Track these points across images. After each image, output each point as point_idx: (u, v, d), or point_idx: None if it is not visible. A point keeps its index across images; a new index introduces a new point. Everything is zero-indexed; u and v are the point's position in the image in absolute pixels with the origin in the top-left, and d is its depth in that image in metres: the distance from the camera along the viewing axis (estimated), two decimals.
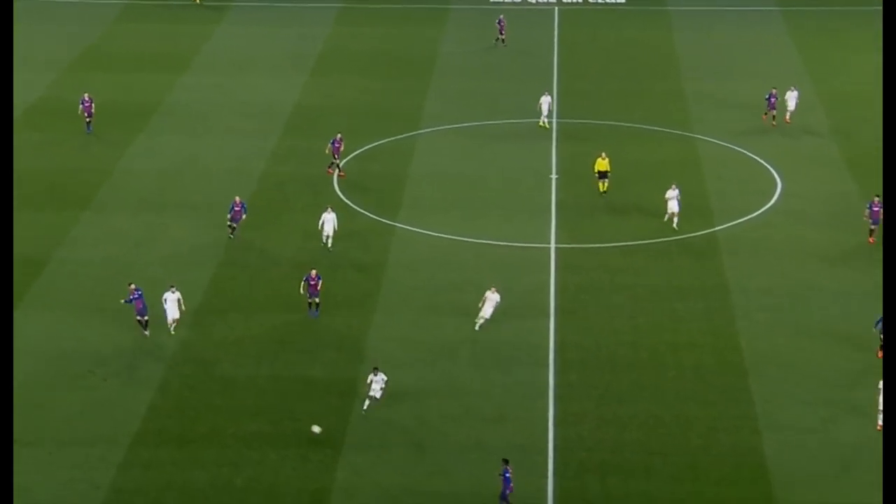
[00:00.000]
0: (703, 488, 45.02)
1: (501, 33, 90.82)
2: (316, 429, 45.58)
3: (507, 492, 43.58)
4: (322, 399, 49.75)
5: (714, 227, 63.73)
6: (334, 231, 61.24)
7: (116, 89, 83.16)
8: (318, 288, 55.62)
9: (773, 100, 75.40)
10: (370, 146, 74.12)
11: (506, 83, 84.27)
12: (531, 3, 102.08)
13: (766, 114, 75.68)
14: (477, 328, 54.15)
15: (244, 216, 62.45)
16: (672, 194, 63.19)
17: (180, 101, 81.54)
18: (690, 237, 62.91)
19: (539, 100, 75.91)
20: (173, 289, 53.59)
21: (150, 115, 78.89)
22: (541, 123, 75.67)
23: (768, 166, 70.96)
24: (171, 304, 53.44)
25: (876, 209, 60.91)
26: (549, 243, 62.41)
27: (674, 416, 48.97)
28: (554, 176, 70.12)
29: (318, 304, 55.82)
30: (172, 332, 53.23)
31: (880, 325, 50.52)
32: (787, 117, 75.90)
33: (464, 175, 70.05)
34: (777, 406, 49.41)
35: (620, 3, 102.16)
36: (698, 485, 45.22)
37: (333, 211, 61.69)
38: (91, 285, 57.97)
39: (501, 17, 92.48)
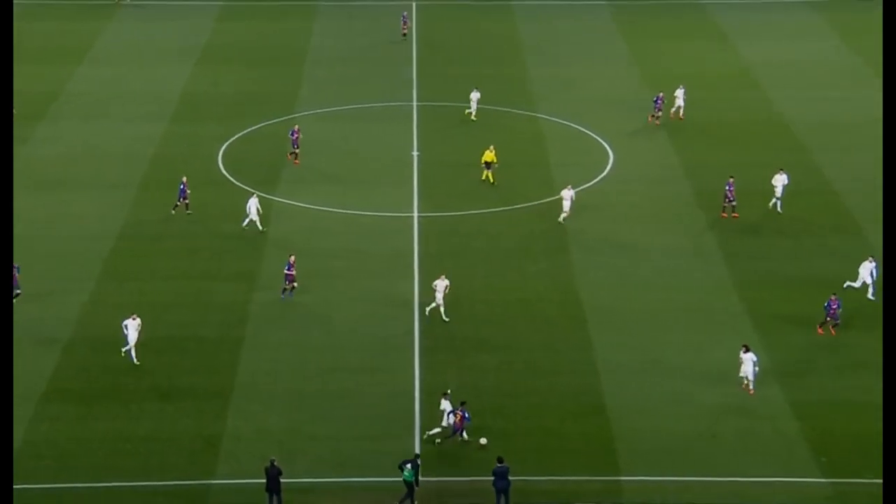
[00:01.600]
0: (549, 423, 45.87)
1: (404, 27, 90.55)
2: (483, 441, 44.54)
3: (462, 427, 43.88)
4: (213, 356, 49.66)
5: (555, 194, 64.51)
6: (258, 213, 60.27)
7: (19, 80, 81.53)
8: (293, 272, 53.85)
9: (659, 102, 73.44)
10: (251, 129, 73.74)
11: (371, 70, 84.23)
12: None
13: (652, 115, 73.57)
14: (427, 312, 52.65)
15: (188, 192, 61.80)
16: (566, 194, 61.33)
17: (78, 91, 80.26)
18: (536, 204, 63.65)
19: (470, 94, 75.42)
20: (134, 316, 49.91)
21: (50, 103, 77.58)
22: (468, 112, 74.94)
23: (602, 141, 71.97)
24: (132, 330, 49.47)
25: (730, 189, 61.33)
26: (413, 212, 62.76)
27: (524, 362, 49.74)
28: (415, 153, 70.45)
29: (293, 288, 53.95)
30: (137, 362, 49.18)
31: (830, 306, 50.71)
32: (681, 114, 74.22)
33: (335, 153, 70.05)
34: (612, 351, 50.41)
35: None
36: (545, 420, 46.06)
37: (257, 196, 60.95)
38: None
39: (405, 13, 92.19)
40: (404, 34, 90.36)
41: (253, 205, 60.24)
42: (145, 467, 43.26)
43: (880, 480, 41.89)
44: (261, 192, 64.37)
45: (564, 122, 74.83)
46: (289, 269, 53.79)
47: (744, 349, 47.27)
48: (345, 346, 50.88)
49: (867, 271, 53.78)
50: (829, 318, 51.09)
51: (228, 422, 45.75)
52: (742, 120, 74.69)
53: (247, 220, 60.04)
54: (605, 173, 67.74)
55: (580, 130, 73.72)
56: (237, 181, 66.18)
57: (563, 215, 61.13)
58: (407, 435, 45.05)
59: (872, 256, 54.15)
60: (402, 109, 77.19)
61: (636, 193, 64.83)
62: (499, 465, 41.11)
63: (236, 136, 72.60)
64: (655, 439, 44.76)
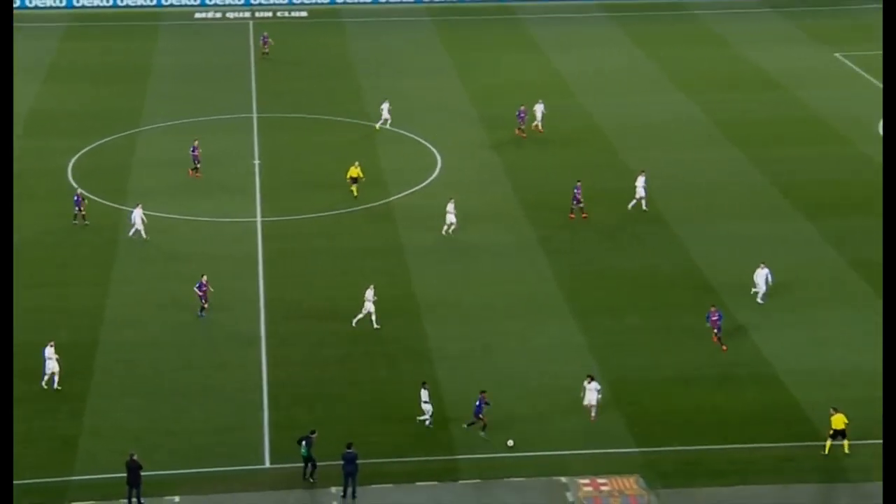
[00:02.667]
0: (388, 411, 45.89)
1: (265, 46, 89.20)
2: (510, 442, 43.64)
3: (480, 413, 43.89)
4: (67, 358, 48.26)
5: (389, 196, 64.66)
6: (143, 223, 58.41)
7: None
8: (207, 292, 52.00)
9: (522, 115, 72.71)
10: (99, 143, 72.14)
11: (212, 86, 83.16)
12: (230, 19, 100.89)
13: (518, 128, 72.85)
14: (354, 324, 51.40)
15: (85, 202, 60.52)
16: (450, 207, 59.82)
17: None
18: (371, 206, 63.64)
19: (380, 106, 74.44)
20: (51, 344, 47.57)
21: None
22: (378, 127, 74.11)
23: (430, 147, 72.29)
24: (51, 360, 47.11)
25: (577, 192, 61.46)
26: (256, 217, 62.17)
27: (363, 353, 49.69)
28: (257, 161, 69.78)
29: (204, 308, 51.89)
30: (57, 387, 46.81)
31: (711, 318, 49.86)
32: (540, 126, 73.40)
33: (179, 163, 68.84)
34: (446, 341, 50.68)
35: (304, 17, 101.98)
36: (384, 408, 46.07)
37: (140, 207, 59.27)
38: None
39: (265, 34, 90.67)
40: (265, 53, 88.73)
41: (137, 215, 58.80)
42: None
43: (688, 447, 43.11)
44: (113, 202, 63.08)
45: (395, 129, 74.94)
46: (200, 289, 51.93)
47: (588, 379, 45.08)
48: (196, 343, 50.14)
49: (762, 279, 53.10)
50: (714, 330, 49.73)
51: (86, 420, 44.67)
52: (565, 127, 75.09)
53: (132, 231, 58.56)
54: (434, 175, 68.04)
55: (409, 136, 73.93)
56: (88, 193, 64.62)
57: (447, 228, 59.71)
58: (256, 426, 44.61)
59: (763, 263, 53.72)
60: (243, 121, 76.38)
61: (463, 194, 64.95)
62: (347, 450, 40.96)
63: (84, 150, 70.90)
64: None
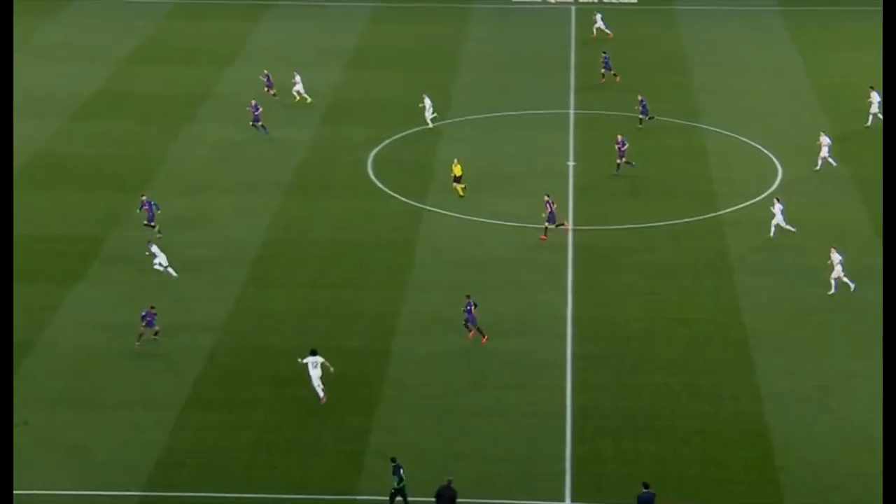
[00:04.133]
0: (708, 450, 45.03)
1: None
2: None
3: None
4: (357, 367, 49.84)
5: (718, 210, 63.58)
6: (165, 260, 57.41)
7: (168, 81, 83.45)
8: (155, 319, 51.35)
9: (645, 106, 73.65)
10: (401, 134, 74.12)
11: (526, 77, 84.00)
12: (550, 4, 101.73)
13: (641, 121, 73.43)
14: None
15: (157, 211, 60.81)
16: (777, 209, 60.07)
17: (226, 93, 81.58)
18: (697, 220, 62.74)
19: (423, 101, 75.03)
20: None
21: (199, 105, 78.98)
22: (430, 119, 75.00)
23: (769, 154, 70.66)
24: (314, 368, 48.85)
25: (549, 203, 59.91)
26: (567, 223, 62.31)
27: (683, 384, 48.97)
28: (571, 163, 69.98)
29: (156, 332, 51.55)
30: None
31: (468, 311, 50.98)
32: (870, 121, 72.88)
33: (487, 161, 69.90)
34: (775, 376, 49.35)
35: (632, 3, 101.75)
36: (705, 447, 45.24)
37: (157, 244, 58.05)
38: (145, 262, 57.83)
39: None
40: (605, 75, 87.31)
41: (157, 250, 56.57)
42: (285, 480, 43.57)
43: None
44: (412, 200, 64.69)
45: (728, 133, 73.66)
46: (144, 318, 50.86)
47: None
48: (493, 361, 50.66)
49: None
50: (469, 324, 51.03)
51: (373, 436, 45.85)
52: None
53: (156, 263, 56.19)
54: (773, 187, 66.45)
55: (744, 142, 72.53)
56: (385, 187, 66.50)
57: (773, 231, 59.77)
58: (555, 457, 44.63)
59: None
60: (557, 118, 76.81)
61: (806, 209, 63.25)
62: (645, 490, 40.41)
63: (386, 142, 73.02)
64: (821, 473, 43.59)
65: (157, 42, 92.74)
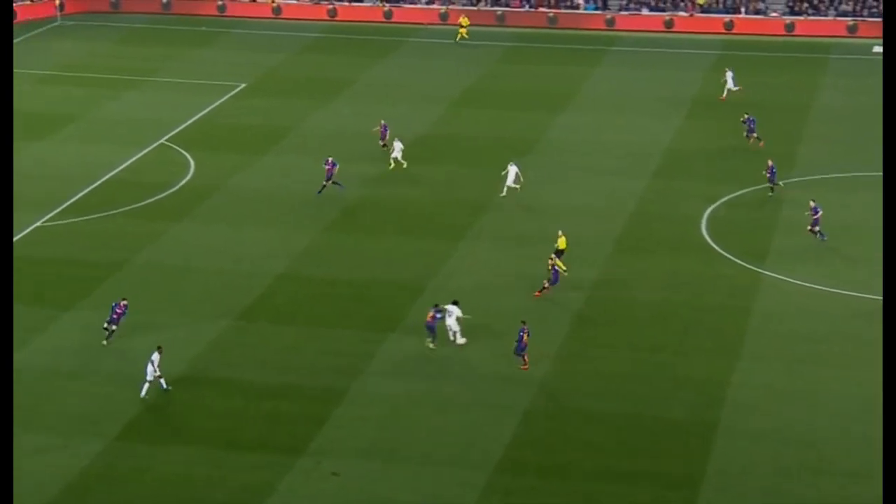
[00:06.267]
0: None
1: None
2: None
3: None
4: (678, 439, 49.35)
5: None
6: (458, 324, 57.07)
7: (496, 125, 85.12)
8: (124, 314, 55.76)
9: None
10: (739, 192, 73.25)
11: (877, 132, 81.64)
12: None
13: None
14: None
15: (335, 169, 70.99)
16: None
17: (555, 139, 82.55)
18: None
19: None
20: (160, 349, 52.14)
21: (527, 151, 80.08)
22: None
23: None
24: (152, 364, 51.67)
25: None
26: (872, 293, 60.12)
27: None
28: None
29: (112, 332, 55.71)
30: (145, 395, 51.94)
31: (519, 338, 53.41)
32: None
33: (836, 225, 68.03)
34: None
35: None
36: None
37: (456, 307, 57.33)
38: (469, 310, 58.24)
39: None
40: None
41: (453, 313, 56.46)
42: None
43: None
44: (748, 263, 63.87)
45: None
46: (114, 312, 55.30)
47: None
48: (831, 444, 49.28)
49: None
50: None
51: None
52: None
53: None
54: None
55: None
56: (719, 248, 65.86)
57: None
58: None
59: None
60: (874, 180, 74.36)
61: None
62: None
63: (723, 199, 72.31)
64: None
65: (485, 85, 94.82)
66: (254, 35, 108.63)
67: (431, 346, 55.57)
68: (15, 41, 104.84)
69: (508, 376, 53.91)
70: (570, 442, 49.55)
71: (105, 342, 56.10)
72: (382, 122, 79.58)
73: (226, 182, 73.34)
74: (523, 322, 54.30)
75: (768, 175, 71.96)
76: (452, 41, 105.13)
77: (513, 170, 72.27)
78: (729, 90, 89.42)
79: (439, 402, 52.16)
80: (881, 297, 59.39)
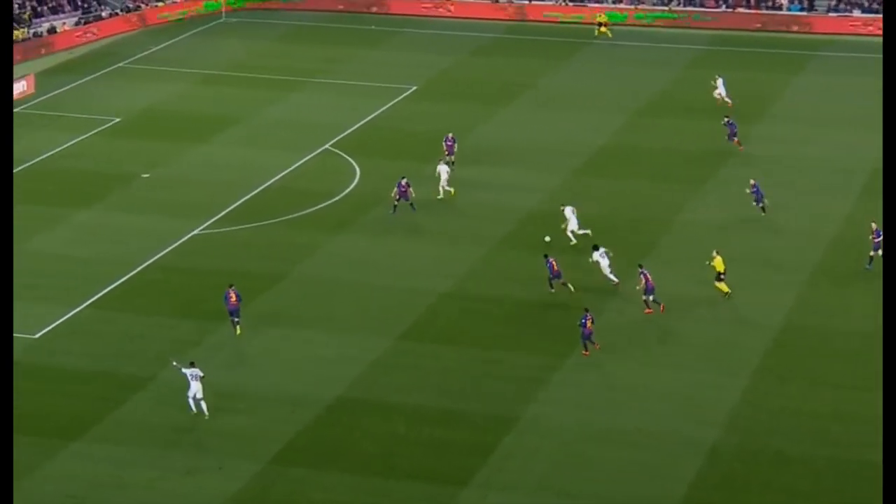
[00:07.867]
0: None
1: None
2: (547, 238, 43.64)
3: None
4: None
5: None
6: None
7: (684, 135, 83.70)
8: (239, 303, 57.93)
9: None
10: None
11: None
12: None
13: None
14: None
15: (410, 190, 70.81)
16: None
17: (757, 152, 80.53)
18: None
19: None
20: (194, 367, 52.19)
21: (721, 164, 78.40)
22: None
23: None
24: (194, 381, 51.83)
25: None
26: None
27: None
28: None
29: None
30: (195, 411, 51.89)
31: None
32: None
33: None
34: None
35: None
36: None
37: None
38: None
39: None
40: None
41: None
42: None
43: None
44: None
45: None
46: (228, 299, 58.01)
47: None
48: None
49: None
50: None
51: None
52: None
53: None
54: None
55: None
56: None
57: None
58: None
59: None
60: None
61: None
62: None
63: None
64: None
65: (672, 92, 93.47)
66: (424, 35, 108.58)
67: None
68: (179, 38, 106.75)
69: (694, 409, 52.62)
70: (762, 485, 48.06)
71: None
72: (451, 134, 78.24)
73: (393, 191, 72.98)
74: (586, 309, 56.37)
75: (753, 193, 70.35)
76: (639, 43, 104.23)
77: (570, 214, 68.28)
78: (720, 97, 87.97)
79: (617, 436, 51.07)
80: None
